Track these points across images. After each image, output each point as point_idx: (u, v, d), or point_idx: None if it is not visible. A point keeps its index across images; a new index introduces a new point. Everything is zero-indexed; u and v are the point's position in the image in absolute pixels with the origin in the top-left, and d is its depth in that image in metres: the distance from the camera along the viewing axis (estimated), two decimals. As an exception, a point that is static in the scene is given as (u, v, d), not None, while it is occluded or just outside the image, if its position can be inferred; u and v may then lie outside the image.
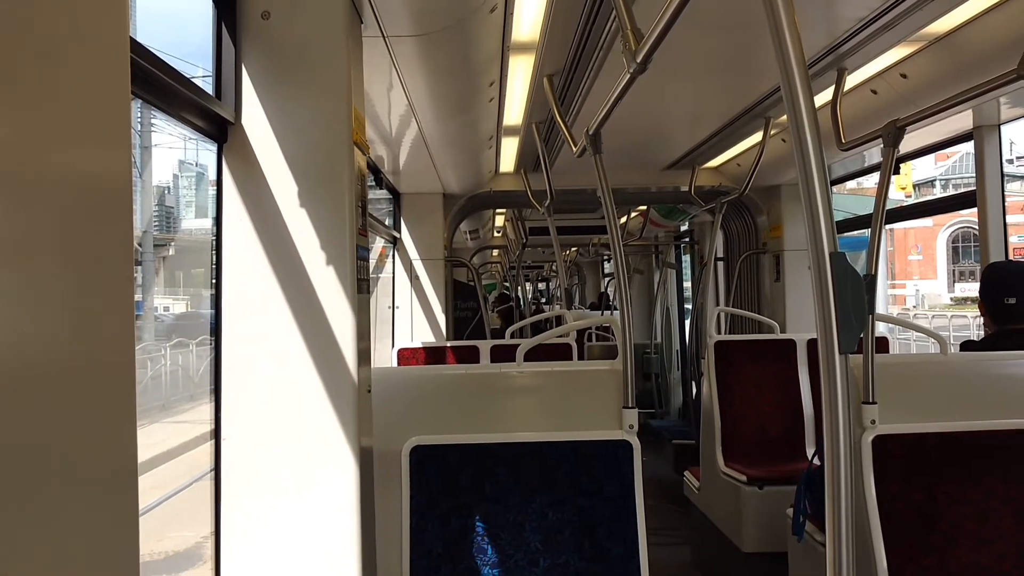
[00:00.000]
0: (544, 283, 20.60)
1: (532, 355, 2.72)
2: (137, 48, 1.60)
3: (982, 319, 3.26)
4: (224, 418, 2.15)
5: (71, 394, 0.98)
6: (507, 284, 13.05)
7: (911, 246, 36.70)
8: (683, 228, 8.76)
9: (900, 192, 22.15)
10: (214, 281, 2.22)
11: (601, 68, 3.19)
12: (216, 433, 2.17)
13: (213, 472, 2.18)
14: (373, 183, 5.17)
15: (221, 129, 2.16)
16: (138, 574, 1.07)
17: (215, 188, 2.24)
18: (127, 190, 1.09)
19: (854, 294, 1.16)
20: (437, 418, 2.61)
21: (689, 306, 8.93)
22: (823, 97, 3.53)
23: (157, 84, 1.79)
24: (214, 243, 2.24)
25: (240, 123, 2.16)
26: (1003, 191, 3.90)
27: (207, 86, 2.14)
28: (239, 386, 2.16)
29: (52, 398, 0.94)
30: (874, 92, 3.54)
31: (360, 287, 2.23)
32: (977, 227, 4.05)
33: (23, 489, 0.88)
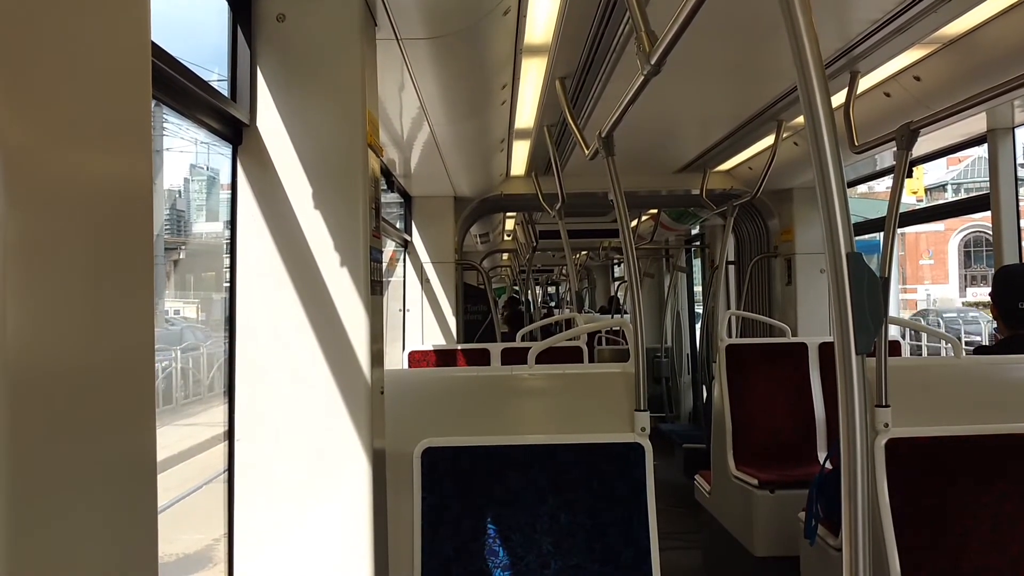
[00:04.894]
0: (554, 287, 20.59)
1: (543, 358, 2.73)
2: (156, 51, 1.62)
3: (995, 323, 3.24)
4: (238, 419, 2.16)
5: (92, 393, 0.99)
6: (516, 288, 13.06)
7: (922, 251, 36.51)
8: (694, 231, 8.74)
9: (912, 196, 22.04)
10: (228, 283, 2.23)
11: (614, 70, 3.19)
12: (230, 434, 2.18)
13: (227, 473, 2.19)
14: (385, 186, 5.19)
15: (236, 131, 2.17)
16: (156, 571, 1.08)
17: (229, 190, 2.25)
18: (147, 191, 1.10)
19: (870, 294, 1.16)
20: (449, 420, 2.61)
21: (700, 310, 8.91)
22: (836, 100, 3.52)
23: (174, 86, 1.81)
24: (228, 245, 2.25)
25: (255, 125, 2.17)
26: (1017, 194, 3.89)
27: (222, 89, 2.16)
28: (253, 387, 2.17)
29: (73, 397, 0.95)
30: (887, 95, 3.53)
31: (374, 289, 2.24)
32: (989, 231, 4.03)
33: (46, 486, 0.89)
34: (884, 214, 2.80)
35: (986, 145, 3.97)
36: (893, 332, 4.44)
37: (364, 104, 2.19)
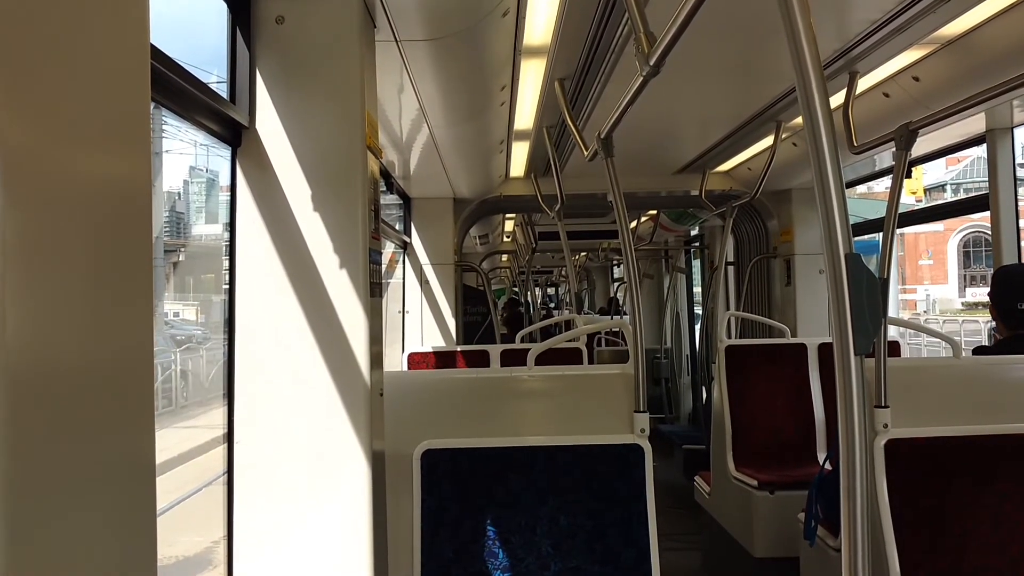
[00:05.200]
0: (553, 288, 20.59)
1: (542, 359, 2.72)
2: (155, 53, 1.62)
3: (994, 323, 3.24)
4: (237, 421, 2.16)
5: (91, 394, 0.99)
6: (516, 289, 13.06)
7: (922, 251, 36.54)
8: (693, 232, 8.74)
9: (911, 196, 22.05)
10: (228, 285, 2.23)
11: (613, 72, 3.19)
12: (229, 436, 2.18)
13: (226, 475, 2.19)
14: (384, 188, 5.19)
15: (235, 133, 2.17)
16: (155, 573, 1.08)
17: (229, 192, 2.25)
18: (146, 193, 1.10)
19: (869, 296, 1.16)
20: (448, 422, 2.61)
21: (699, 310, 8.91)
22: (835, 100, 3.52)
23: (173, 88, 1.81)
24: (228, 247, 2.25)
25: (254, 127, 2.17)
26: (1016, 194, 3.89)
27: (221, 91, 2.16)
28: (252, 389, 2.17)
29: (72, 397, 0.95)
30: (886, 95, 3.53)
31: (373, 290, 2.24)
32: (988, 231, 4.03)
33: (45, 487, 0.89)
34: (883, 214, 2.80)
35: (985, 145, 3.98)
36: (892, 332, 4.44)
37: (363, 106, 2.20)
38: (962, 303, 33.76)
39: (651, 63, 1.89)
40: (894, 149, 2.69)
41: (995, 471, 2.45)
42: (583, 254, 13.12)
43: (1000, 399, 2.81)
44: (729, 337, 5.06)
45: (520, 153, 5.09)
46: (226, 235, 2.25)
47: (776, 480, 4.01)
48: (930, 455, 2.46)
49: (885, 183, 5.29)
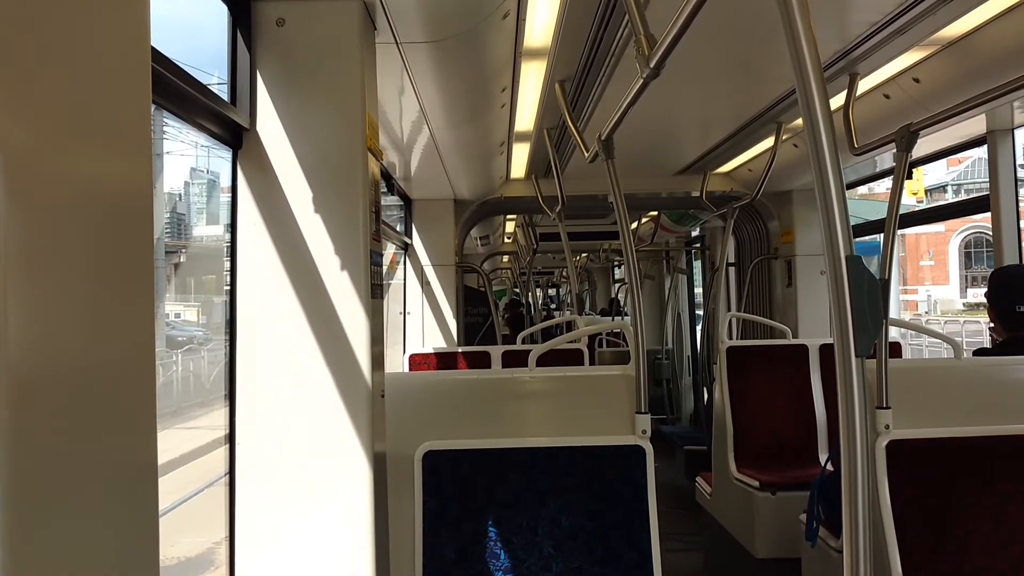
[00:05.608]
0: (555, 289, 20.60)
1: (543, 360, 2.72)
2: (156, 56, 1.62)
3: (992, 325, 3.23)
4: (239, 422, 2.17)
5: (92, 395, 0.99)
6: (517, 290, 13.06)
7: (923, 251, 36.52)
8: (694, 233, 8.74)
9: (912, 197, 22.04)
10: (229, 287, 2.24)
11: (613, 73, 3.19)
12: (231, 437, 2.18)
13: (228, 476, 2.19)
14: (385, 189, 5.19)
15: (236, 135, 2.17)
16: (158, 574, 1.08)
17: (229, 194, 2.26)
18: (147, 195, 1.10)
19: (870, 297, 1.16)
20: (450, 423, 2.61)
21: (700, 311, 8.91)
22: (835, 102, 3.52)
23: (174, 91, 1.81)
24: (229, 249, 2.25)
25: (255, 129, 2.18)
26: (1017, 195, 3.89)
27: (222, 93, 2.16)
28: (254, 390, 2.17)
29: (74, 399, 0.95)
30: (887, 97, 3.53)
31: (374, 292, 2.24)
32: (990, 232, 4.03)
33: (47, 489, 0.89)
34: (884, 215, 2.80)
35: (986, 146, 3.98)
36: (893, 333, 4.44)
37: (364, 108, 2.20)
38: (963, 304, 33.75)
39: (651, 65, 1.90)
40: (895, 150, 2.69)
41: (997, 472, 2.45)
42: (584, 255, 13.12)
43: (1001, 400, 2.81)
44: (730, 338, 5.06)
45: (521, 154, 5.10)
46: (227, 236, 2.26)
47: (778, 481, 4.01)
48: (932, 456, 2.46)
49: (886, 184, 5.29)
